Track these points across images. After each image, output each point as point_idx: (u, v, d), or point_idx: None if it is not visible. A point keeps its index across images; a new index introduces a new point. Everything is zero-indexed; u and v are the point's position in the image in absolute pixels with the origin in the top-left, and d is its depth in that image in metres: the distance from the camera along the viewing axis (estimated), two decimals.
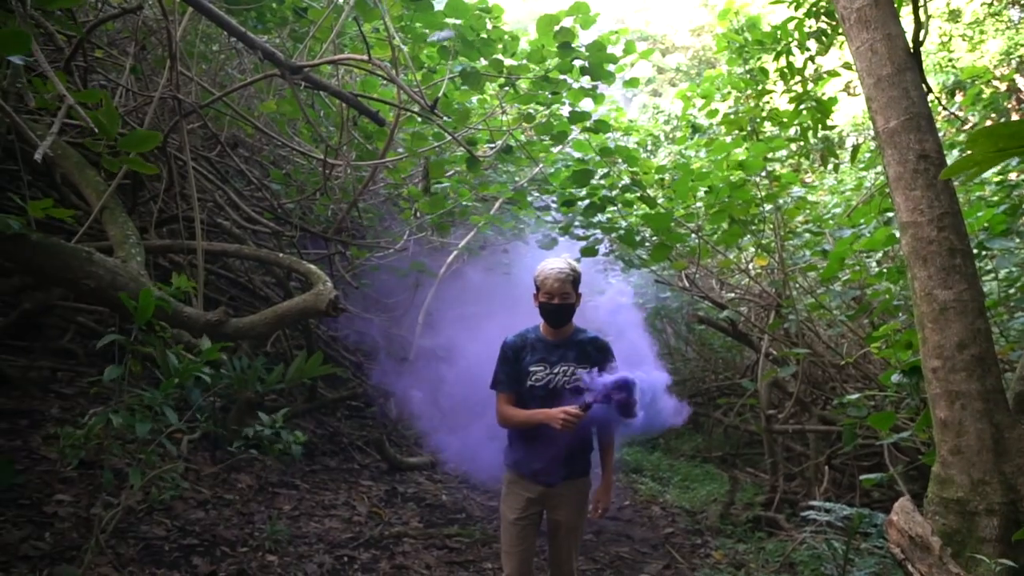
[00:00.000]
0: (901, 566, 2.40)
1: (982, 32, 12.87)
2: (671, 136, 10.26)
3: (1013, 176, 5.66)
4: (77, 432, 3.64)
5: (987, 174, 5.69)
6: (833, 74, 5.72)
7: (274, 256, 5.21)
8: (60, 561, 3.25)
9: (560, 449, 3.20)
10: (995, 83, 11.81)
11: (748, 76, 5.89)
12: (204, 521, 4.22)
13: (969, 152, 1.63)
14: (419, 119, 5.25)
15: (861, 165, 6.98)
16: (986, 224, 4.19)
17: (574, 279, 3.22)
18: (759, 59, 5.86)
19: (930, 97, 3.04)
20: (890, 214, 4.80)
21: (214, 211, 6.17)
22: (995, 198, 5.20)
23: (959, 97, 8.89)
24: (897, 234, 4.74)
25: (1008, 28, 12.87)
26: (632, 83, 5.29)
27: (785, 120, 5.79)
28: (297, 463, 5.65)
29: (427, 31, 4.75)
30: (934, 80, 11.71)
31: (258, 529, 4.35)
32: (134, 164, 3.12)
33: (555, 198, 5.81)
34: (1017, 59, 12.20)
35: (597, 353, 3.28)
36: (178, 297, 3.91)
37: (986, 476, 2.59)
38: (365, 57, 4.53)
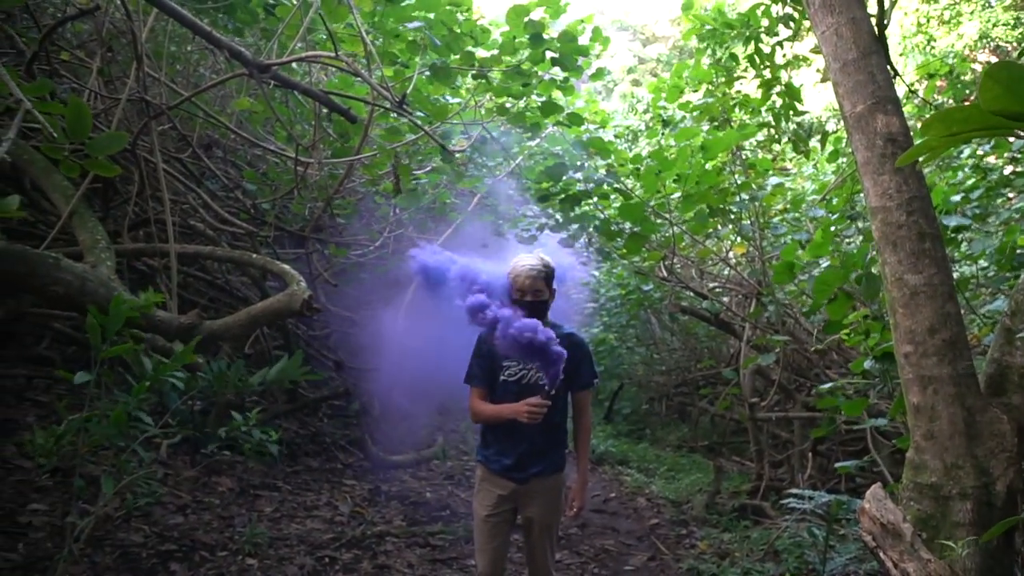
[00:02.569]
0: (873, 554, 2.39)
1: (959, 14, 12.91)
2: (649, 126, 10.24)
3: (992, 160, 5.66)
4: (49, 439, 3.60)
5: (963, 156, 5.70)
6: (803, 59, 5.70)
7: (247, 257, 5.16)
8: (33, 572, 3.20)
9: (531, 445, 3.17)
10: (975, 66, 11.85)
11: (718, 63, 5.84)
12: (183, 526, 4.18)
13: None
14: (393, 115, 5.20)
15: (829, 152, 6.94)
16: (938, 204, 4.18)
17: (547, 276, 3.19)
18: (728, 46, 5.81)
19: (908, 81, 3.02)
20: (861, 195, 4.80)
21: (188, 213, 6.11)
22: (970, 181, 5.19)
23: (941, 83, 8.89)
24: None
25: (984, 9, 12.90)
26: (598, 75, 5.23)
27: (756, 106, 5.77)
28: (279, 464, 5.61)
29: (399, 25, 4.71)
30: (913, 61, 11.75)
31: (238, 533, 4.31)
32: (96, 167, 3.05)
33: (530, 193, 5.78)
34: (993, 43, 12.24)
35: (571, 349, 3.23)
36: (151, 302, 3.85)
37: (959, 460, 2.58)
38: (334, 54, 4.48)
